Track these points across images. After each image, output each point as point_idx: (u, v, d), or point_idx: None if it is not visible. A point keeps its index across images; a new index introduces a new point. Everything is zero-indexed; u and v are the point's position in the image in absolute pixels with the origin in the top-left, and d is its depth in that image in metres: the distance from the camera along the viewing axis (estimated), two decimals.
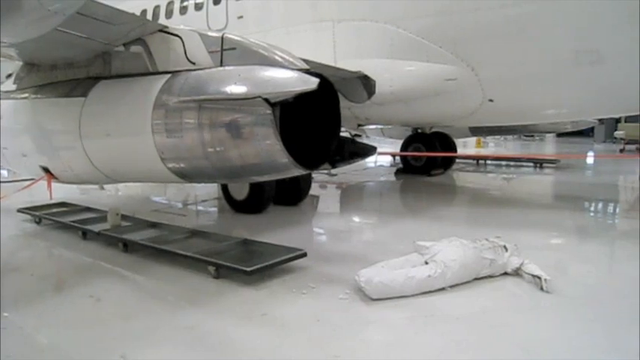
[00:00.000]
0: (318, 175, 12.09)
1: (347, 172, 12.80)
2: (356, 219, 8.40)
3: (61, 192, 8.82)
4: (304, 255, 5.26)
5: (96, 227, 6.58)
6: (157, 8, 11.33)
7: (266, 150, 4.75)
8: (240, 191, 8.02)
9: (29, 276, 5.25)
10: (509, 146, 24.02)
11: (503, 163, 16.24)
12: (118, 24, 5.08)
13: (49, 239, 6.81)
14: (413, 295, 4.34)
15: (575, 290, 4.52)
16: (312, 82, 4.58)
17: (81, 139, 5.85)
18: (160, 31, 5.48)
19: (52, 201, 8.08)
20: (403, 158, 13.70)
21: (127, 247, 5.93)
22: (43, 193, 7.55)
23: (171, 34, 5.42)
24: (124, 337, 3.72)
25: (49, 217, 7.48)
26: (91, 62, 5.99)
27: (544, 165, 14.88)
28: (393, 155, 15.24)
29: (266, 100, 4.61)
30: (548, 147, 24.44)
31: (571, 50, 6.86)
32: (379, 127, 15.04)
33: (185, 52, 5.32)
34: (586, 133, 24.64)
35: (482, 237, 5.13)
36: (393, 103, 8.38)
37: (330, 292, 4.53)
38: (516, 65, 7.35)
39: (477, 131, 14.80)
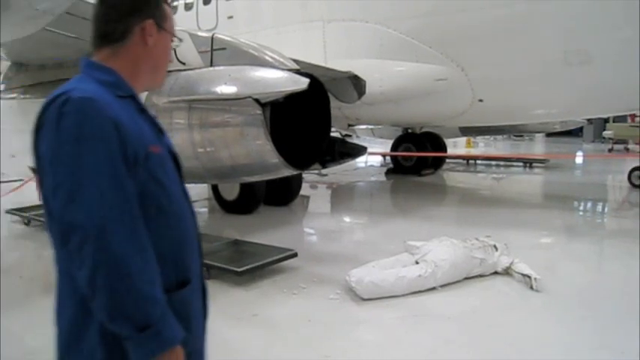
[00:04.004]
0: (308, 175, 12.09)
1: (337, 172, 12.80)
2: (346, 219, 8.41)
3: None
4: (295, 255, 5.26)
5: None
6: None
7: (256, 150, 4.75)
8: (231, 191, 8.00)
9: (18, 278, 5.22)
10: (498, 146, 24.10)
11: (493, 162, 16.28)
12: None
13: (38, 240, 6.75)
14: (403, 295, 4.36)
15: (564, 289, 4.55)
16: (303, 83, 4.59)
17: None
18: None
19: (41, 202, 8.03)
20: (393, 158, 13.72)
21: None
22: (32, 194, 7.50)
23: None
24: None
25: (39, 218, 7.41)
26: None
27: (533, 165, 14.94)
28: (384, 155, 15.24)
29: (256, 100, 4.61)
30: (538, 147, 24.55)
31: (560, 50, 6.90)
32: (369, 127, 15.05)
33: (175, 52, 5.30)
34: (575, 133, 24.73)
35: (473, 236, 5.16)
36: (384, 103, 8.39)
37: (321, 292, 4.54)
38: (506, 65, 7.38)
39: (466, 131, 14.82)
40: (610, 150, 20.57)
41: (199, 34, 5.46)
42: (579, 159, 18.21)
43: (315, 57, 8.07)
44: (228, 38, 5.27)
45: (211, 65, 5.17)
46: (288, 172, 5.09)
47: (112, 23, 1.49)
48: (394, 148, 13.21)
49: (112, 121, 1.34)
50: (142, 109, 1.54)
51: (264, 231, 6.76)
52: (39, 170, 1.37)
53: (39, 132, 1.35)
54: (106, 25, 1.50)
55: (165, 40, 1.61)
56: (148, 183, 1.41)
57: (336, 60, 8.16)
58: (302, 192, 9.13)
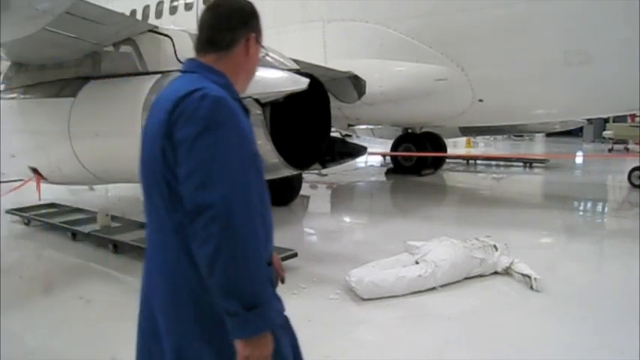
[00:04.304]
0: (308, 175, 12.08)
1: (337, 172, 12.79)
2: (346, 219, 8.40)
3: (51, 193, 8.77)
4: (295, 255, 5.26)
5: (86, 228, 6.54)
6: (146, 8, 11.27)
7: None
8: None
9: (18, 278, 5.22)
10: (498, 146, 24.09)
11: (493, 162, 16.28)
12: (107, 24, 5.05)
13: (38, 240, 6.76)
14: (403, 295, 4.36)
15: (564, 289, 4.55)
16: (303, 83, 4.59)
17: (70, 140, 5.81)
18: (150, 31, 5.46)
19: (41, 202, 8.03)
20: (393, 158, 13.70)
21: (117, 247, 5.90)
22: (32, 194, 7.50)
23: (162, 34, 5.40)
24: (114, 339, 3.70)
25: (38, 218, 7.42)
26: (81, 62, 5.95)
27: (533, 165, 14.94)
28: (384, 155, 15.23)
29: (256, 100, 4.60)
30: (538, 147, 24.53)
31: (560, 50, 6.90)
32: (369, 127, 15.05)
33: (175, 53, 5.30)
34: (575, 133, 24.67)
35: (473, 236, 5.16)
36: (384, 103, 8.39)
37: (321, 292, 4.53)
38: (506, 65, 7.38)
39: (466, 131, 14.82)
40: (610, 150, 20.55)
41: None
42: (579, 159, 18.20)
43: (315, 57, 8.07)
44: None
45: None
46: (288, 172, 5.08)
47: (222, 32, 1.69)
48: (394, 148, 13.20)
49: (239, 119, 1.57)
50: (246, 111, 1.71)
51: None
52: (171, 157, 1.53)
53: (176, 123, 1.51)
54: (216, 33, 1.70)
55: (259, 52, 1.82)
56: (257, 176, 1.63)
57: (336, 60, 8.16)
58: (302, 192, 9.13)
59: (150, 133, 1.61)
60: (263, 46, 1.85)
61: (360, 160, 14.46)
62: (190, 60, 1.72)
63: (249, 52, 1.74)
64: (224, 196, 1.43)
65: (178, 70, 1.75)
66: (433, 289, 4.50)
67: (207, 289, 1.50)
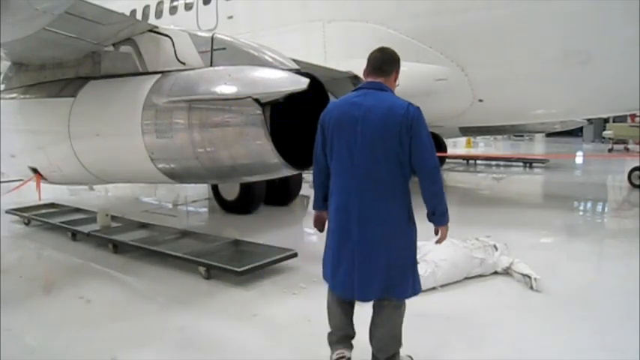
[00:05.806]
0: (308, 175, 12.07)
1: None
2: None
3: (51, 193, 8.77)
4: (295, 255, 5.26)
5: (85, 228, 6.54)
6: (146, 8, 11.26)
7: (256, 150, 4.74)
8: (231, 191, 8.00)
9: (18, 278, 5.21)
10: (499, 146, 24.11)
11: (493, 162, 16.30)
12: (107, 24, 5.05)
13: (38, 240, 6.76)
14: None
15: (564, 289, 4.55)
16: (302, 83, 4.59)
17: (70, 140, 5.81)
18: (150, 31, 5.46)
19: (41, 202, 8.03)
20: None
21: (117, 248, 5.90)
22: (32, 194, 7.50)
23: (161, 34, 5.40)
24: (114, 339, 3.71)
25: (38, 218, 7.43)
26: (80, 62, 5.95)
27: (533, 165, 14.95)
28: None
29: (256, 100, 4.60)
30: (538, 147, 24.55)
31: (560, 50, 6.89)
32: None
33: (175, 53, 5.30)
34: (575, 133, 24.65)
35: (473, 236, 5.16)
36: None
37: (321, 292, 4.48)
38: (506, 65, 7.37)
39: (467, 131, 14.83)
40: (610, 150, 20.57)
41: (199, 34, 5.45)
42: (579, 159, 18.21)
43: (315, 57, 8.06)
44: (228, 38, 5.27)
45: (211, 65, 5.17)
46: (288, 172, 5.08)
47: (387, 66, 3.02)
48: None
49: None
50: None
51: (264, 231, 6.75)
52: (406, 140, 2.77)
53: (412, 122, 2.75)
54: (384, 66, 3.01)
55: None
56: None
57: (336, 60, 8.15)
58: (302, 192, 9.13)
59: (380, 124, 2.76)
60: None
61: None
62: (377, 82, 2.94)
63: (397, 80, 3.08)
64: (436, 160, 2.82)
65: (365, 87, 2.95)
66: (433, 288, 4.50)
67: (409, 212, 3.02)
